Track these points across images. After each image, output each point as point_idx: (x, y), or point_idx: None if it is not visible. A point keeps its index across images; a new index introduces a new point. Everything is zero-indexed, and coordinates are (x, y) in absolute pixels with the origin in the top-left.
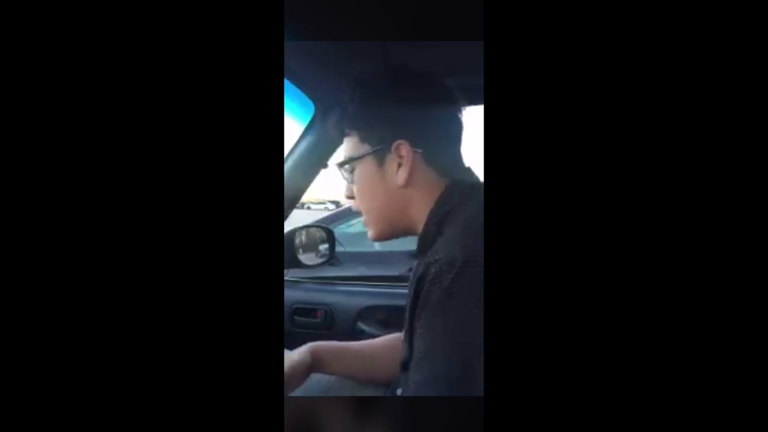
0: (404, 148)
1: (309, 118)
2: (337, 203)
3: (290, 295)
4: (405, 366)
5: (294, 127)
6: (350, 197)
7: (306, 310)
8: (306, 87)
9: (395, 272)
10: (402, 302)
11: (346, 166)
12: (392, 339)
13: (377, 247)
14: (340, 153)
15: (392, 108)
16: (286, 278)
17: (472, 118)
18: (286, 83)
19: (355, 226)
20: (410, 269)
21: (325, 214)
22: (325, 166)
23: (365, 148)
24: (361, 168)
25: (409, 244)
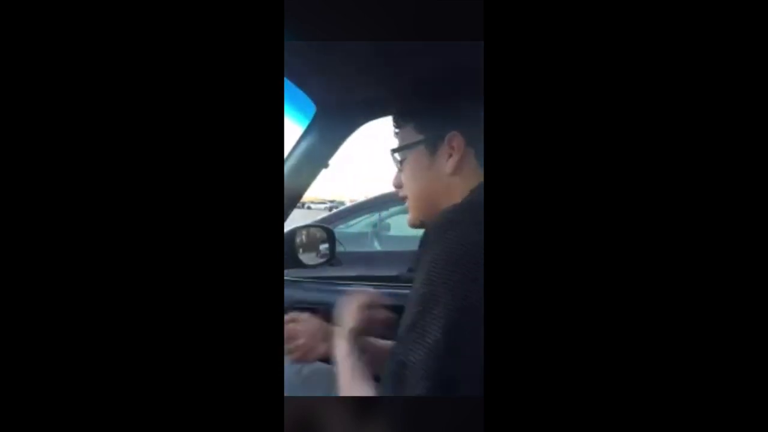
0: (456, 140)
1: (309, 118)
2: (334, 202)
3: (290, 294)
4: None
5: (294, 127)
6: (398, 186)
7: (306, 309)
8: (306, 87)
9: (395, 272)
10: (402, 302)
11: (397, 154)
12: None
13: (377, 247)
14: (394, 141)
15: (453, 104)
16: (286, 278)
17: None
18: (287, 83)
19: (355, 226)
20: (410, 269)
21: (326, 213)
22: (326, 165)
23: (419, 137)
24: (413, 155)
25: (410, 244)
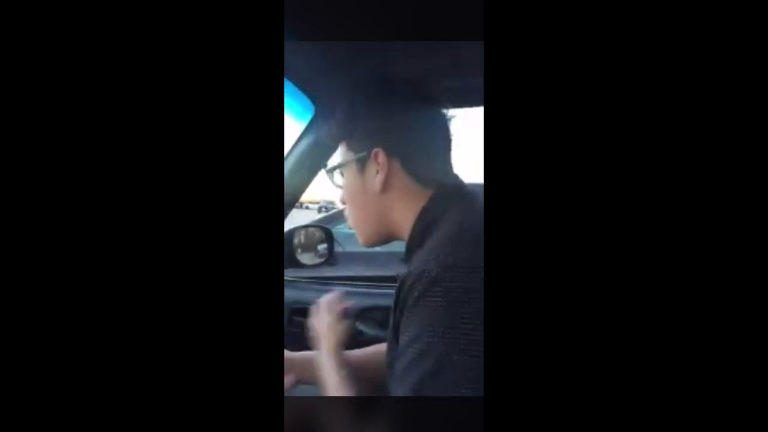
0: (380, 156)
1: (309, 118)
2: (332, 203)
3: (289, 295)
4: (390, 367)
5: (294, 127)
6: (344, 202)
7: (304, 310)
8: (306, 87)
9: (394, 273)
10: None
11: (336, 172)
12: (375, 350)
13: (376, 247)
14: (332, 159)
15: (373, 116)
16: (285, 278)
17: (467, 121)
18: (286, 83)
19: None
20: None
21: (324, 213)
22: (324, 166)
23: (350, 155)
24: (346, 174)
25: None
